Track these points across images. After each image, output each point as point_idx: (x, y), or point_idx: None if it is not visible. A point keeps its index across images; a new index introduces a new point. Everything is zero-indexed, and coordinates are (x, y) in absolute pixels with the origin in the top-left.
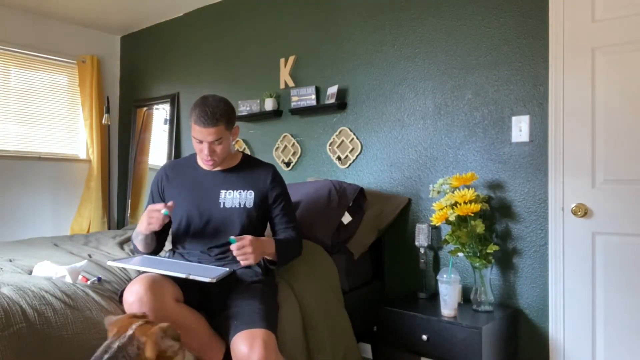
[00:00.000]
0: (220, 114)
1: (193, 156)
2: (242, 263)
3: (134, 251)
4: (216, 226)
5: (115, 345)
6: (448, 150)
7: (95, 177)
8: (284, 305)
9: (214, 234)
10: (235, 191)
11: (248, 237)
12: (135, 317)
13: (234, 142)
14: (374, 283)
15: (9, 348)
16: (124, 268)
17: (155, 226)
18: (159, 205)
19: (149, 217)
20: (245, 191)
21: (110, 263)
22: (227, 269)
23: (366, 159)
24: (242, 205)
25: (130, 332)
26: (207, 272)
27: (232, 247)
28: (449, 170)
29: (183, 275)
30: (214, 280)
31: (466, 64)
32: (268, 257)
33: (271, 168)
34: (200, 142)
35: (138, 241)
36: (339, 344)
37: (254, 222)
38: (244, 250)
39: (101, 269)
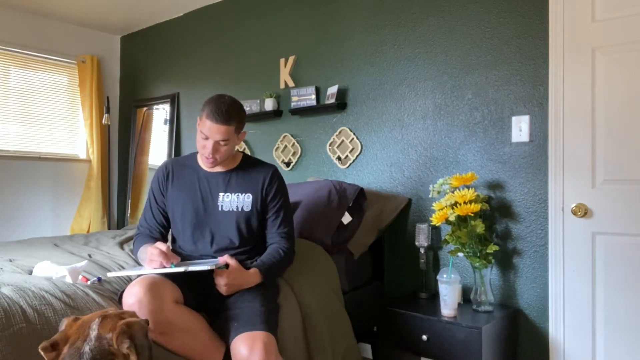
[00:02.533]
0: (234, 114)
1: (194, 155)
2: (217, 287)
3: (134, 252)
4: (215, 230)
5: (86, 349)
6: (448, 150)
7: (95, 177)
8: (284, 305)
9: (212, 238)
10: (233, 194)
11: (227, 271)
12: (77, 319)
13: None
14: (374, 283)
15: (9, 348)
16: (123, 269)
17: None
18: (172, 259)
19: (154, 258)
20: (244, 194)
21: (109, 275)
22: (219, 260)
23: (366, 159)
24: (239, 209)
25: (94, 332)
26: (203, 264)
27: (215, 271)
28: (449, 170)
29: (182, 270)
30: (214, 267)
31: (466, 64)
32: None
33: (271, 169)
34: (206, 138)
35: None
36: (339, 344)
37: (252, 226)
38: (217, 281)
39: (101, 269)
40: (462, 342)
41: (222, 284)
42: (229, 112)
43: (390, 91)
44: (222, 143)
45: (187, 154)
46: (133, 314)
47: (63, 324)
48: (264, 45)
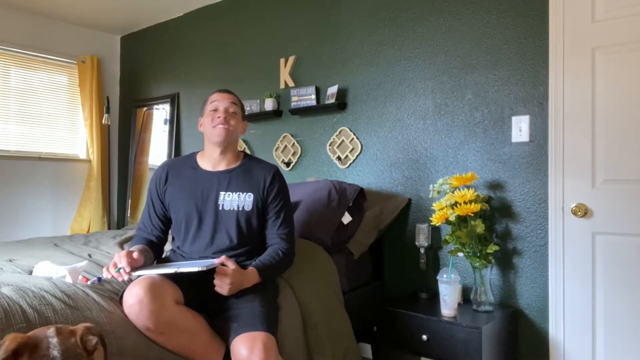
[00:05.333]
0: (235, 95)
1: (193, 155)
2: (216, 289)
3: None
4: (214, 229)
5: (55, 353)
6: (448, 150)
7: (95, 177)
8: (284, 305)
9: (212, 237)
10: (234, 193)
11: (231, 270)
12: (22, 335)
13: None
14: (374, 283)
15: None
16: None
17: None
18: (126, 268)
19: (115, 260)
20: (244, 194)
21: (105, 275)
22: (216, 261)
23: (366, 159)
24: (240, 208)
25: (54, 339)
26: (195, 264)
27: (217, 271)
28: (449, 170)
29: (172, 271)
30: (204, 269)
31: (466, 64)
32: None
33: (273, 169)
34: (215, 110)
35: None
36: (339, 344)
37: (252, 225)
38: (222, 280)
39: (101, 269)
40: (462, 342)
41: (227, 282)
42: (232, 92)
43: (390, 91)
44: (231, 110)
45: (185, 155)
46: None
47: (7, 339)
48: (264, 45)
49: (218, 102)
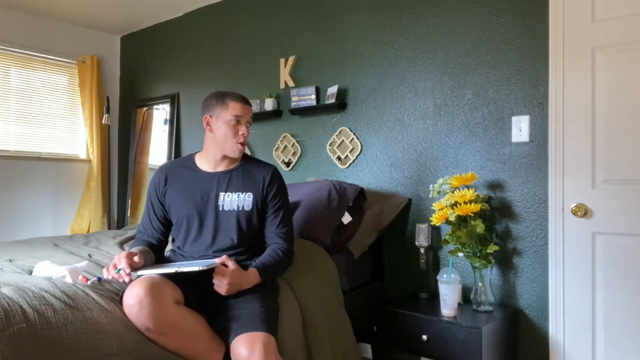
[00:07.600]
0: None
1: (190, 157)
2: (215, 288)
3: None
4: (215, 230)
5: None
6: (448, 150)
7: (95, 177)
8: (284, 305)
9: (213, 237)
10: (234, 193)
11: (230, 270)
12: None
13: None
14: (374, 283)
15: (9, 348)
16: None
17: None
18: (127, 269)
19: (115, 261)
20: (244, 194)
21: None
22: (216, 260)
23: (366, 159)
24: (240, 208)
25: None
26: (196, 264)
27: (215, 271)
28: (449, 170)
29: (172, 270)
30: (205, 268)
31: (466, 64)
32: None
33: (271, 168)
34: (238, 122)
35: None
36: (339, 344)
37: (253, 225)
38: (221, 280)
39: (101, 269)
40: (462, 342)
41: (225, 283)
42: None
43: (390, 91)
44: (248, 125)
45: (183, 157)
46: None
47: None
48: (264, 45)
49: (242, 117)
